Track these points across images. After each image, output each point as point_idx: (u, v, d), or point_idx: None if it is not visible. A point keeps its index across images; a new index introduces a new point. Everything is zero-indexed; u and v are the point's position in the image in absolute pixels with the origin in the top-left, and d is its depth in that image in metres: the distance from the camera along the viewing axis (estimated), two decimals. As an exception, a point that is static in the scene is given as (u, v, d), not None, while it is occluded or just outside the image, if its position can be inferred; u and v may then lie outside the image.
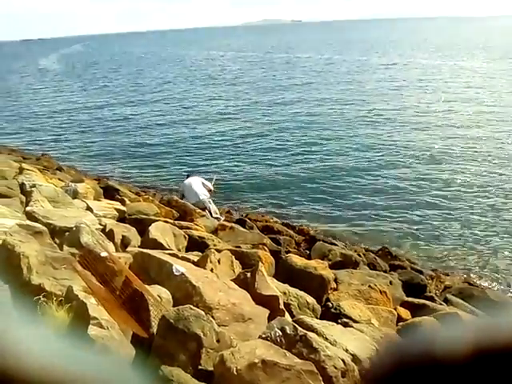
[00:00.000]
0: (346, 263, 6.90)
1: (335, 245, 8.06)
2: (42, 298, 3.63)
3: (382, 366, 0.37)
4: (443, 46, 58.77)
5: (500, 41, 64.10)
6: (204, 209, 9.37)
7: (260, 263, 5.21)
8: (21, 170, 9.10)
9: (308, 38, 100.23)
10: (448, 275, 8.16)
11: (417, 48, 56.84)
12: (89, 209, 7.10)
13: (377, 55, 49.68)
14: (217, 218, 9.20)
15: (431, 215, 10.70)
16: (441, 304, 6.31)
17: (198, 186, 9.85)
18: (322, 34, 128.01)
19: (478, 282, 8.19)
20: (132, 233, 6.06)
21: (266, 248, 6.81)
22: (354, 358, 3.99)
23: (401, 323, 5.30)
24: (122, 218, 7.13)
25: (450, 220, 10.45)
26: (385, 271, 7.27)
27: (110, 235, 5.64)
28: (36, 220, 5.52)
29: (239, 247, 6.46)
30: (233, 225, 8.09)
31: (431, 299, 6.40)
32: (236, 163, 14.98)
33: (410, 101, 23.20)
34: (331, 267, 6.44)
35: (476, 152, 14.93)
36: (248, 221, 9.21)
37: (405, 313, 5.64)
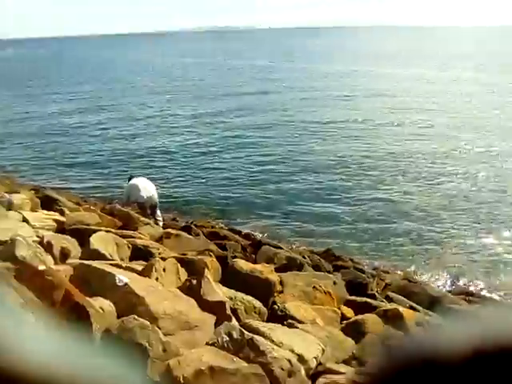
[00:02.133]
0: (291, 266, 7.02)
1: (280, 248, 8.19)
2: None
3: (383, 368, 0.37)
4: (375, 54, 61.41)
5: (437, 49, 67.92)
6: (155, 207, 9.29)
7: (206, 270, 5.21)
8: None
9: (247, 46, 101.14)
10: (388, 273, 8.52)
11: (352, 57, 59.01)
12: (25, 220, 6.77)
13: (324, 63, 51.09)
14: (158, 221, 9.20)
15: (371, 216, 11.13)
16: (382, 301, 6.58)
17: (147, 182, 9.63)
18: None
19: (416, 279, 8.60)
20: (72, 244, 5.85)
21: (212, 254, 6.79)
22: (300, 358, 4.08)
23: (345, 322, 5.47)
24: (61, 229, 6.85)
25: (389, 220, 10.92)
26: (329, 272, 7.47)
27: (48, 247, 5.42)
28: (-34, 234, 5.19)
29: (185, 254, 6.41)
30: (178, 232, 8.01)
31: (373, 297, 6.65)
32: (180, 171, 14.87)
33: (345, 109, 24.09)
34: (277, 270, 6.53)
35: (413, 157, 15.72)
36: (194, 227, 9.15)
37: (348, 311, 5.82)
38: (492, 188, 12.85)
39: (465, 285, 8.57)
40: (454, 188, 12.84)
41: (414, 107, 24.02)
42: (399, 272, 8.86)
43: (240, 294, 5.11)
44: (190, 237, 8.15)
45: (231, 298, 4.92)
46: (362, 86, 31.89)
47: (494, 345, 0.33)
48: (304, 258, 7.87)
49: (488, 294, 8.28)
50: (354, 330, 5.13)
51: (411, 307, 6.41)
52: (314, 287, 5.88)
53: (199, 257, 6.31)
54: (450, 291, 8.17)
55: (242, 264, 6.21)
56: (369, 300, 6.31)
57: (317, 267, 7.61)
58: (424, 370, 0.35)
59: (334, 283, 6.51)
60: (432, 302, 6.93)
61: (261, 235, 9.82)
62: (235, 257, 7.45)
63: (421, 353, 0.35)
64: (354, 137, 18.21)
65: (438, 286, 8.39)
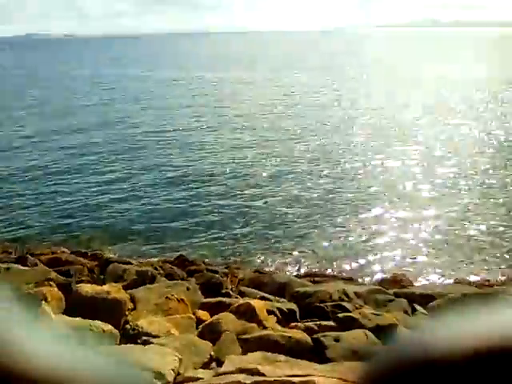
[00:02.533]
0: (142, 280, 6.82)
1: (130, 263, 7.90)
2: None
3: (379, 369, 0.37)
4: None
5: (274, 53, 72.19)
6: None
7: (44, 302, 4.75)
8: None
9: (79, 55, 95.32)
10: (240, 268, 8.82)
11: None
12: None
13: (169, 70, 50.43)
14: None
15: (221, 220, 11.43)
16: (236, 297, 6.79)
17: None
18: (90, 50, 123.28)
19: (266, 270, 9.07)
20: None
21: (52, 283, 6.23)
22: (157, 375, 3.98)
23: (201, 325, 5.51)
24: None
25: (237, 222, 11.35)
26: (182, 279, 7.44)
27: None
28: None
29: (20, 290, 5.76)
30: (9, 265, 7.17)
31: (227, 295, 6.83)
32: (14, 198, 13.26)
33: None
34: (127, 287, 6.28)
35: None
36: (30, 257, 8.28)
37: (204, 314, 5.88)
38: (326, 187, 14.13)
39: (309, 268, 9.32)
40: (286, 188, 13.87)
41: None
42: (250, 266, 9.25)
43: (85, 321, 4.79)
44: (26, 268, 7.36)
45: (75, 328, 4.58)
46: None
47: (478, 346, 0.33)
48: (156, 269, 7.70)
49: (331, 273, 9.14)
50: (211, 332, 5.20)
51: (262, 297, 6.74)
52: (166, 297, 5.80)
53: (37, 289, 5.74)
54: (297, 276, 8.79)
55: (88, 288, 5.83)
56: (223, 299, 6.45)
57: (170, 276, 7.53)
58: (420, 370, 0.35)
59: (188, 289, 6.51)
60: (281, 289, 7.38)
61: (109, 253, 9.33)
62: (81, 281, 6.96)
63: (416, 353, 0.35)
64: (196, 146, 18.35)
65: (286, 273, 8.97)
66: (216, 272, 8.06)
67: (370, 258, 9.69)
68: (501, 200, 12.45)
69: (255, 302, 5.83)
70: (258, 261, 9.45)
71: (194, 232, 10.73)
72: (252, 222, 11.23)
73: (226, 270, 8.47)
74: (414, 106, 25.90)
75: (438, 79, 37.71)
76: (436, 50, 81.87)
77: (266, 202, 12.41)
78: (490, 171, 14.71)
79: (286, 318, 6.01)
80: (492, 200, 12.41)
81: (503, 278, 8.84)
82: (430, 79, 38.00)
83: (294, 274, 9.05)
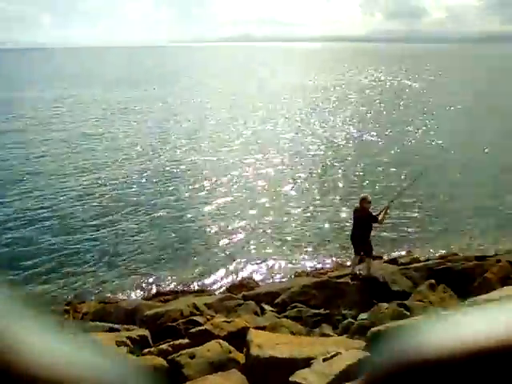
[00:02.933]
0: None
1: None
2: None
3: (378, 369, 0.37)
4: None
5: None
6: None
7: None
8: None
9: None
10: (84, 302, 8.18)
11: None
12: None
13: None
14: None
15: (53, 252, 10.46)
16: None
17: None
18: None
19: (112, 298, 8.58)
20: None
21: None
22: None
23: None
24: None
25: (71, 254, 10.52)
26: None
27: None
28: None
29: None
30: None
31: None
32: None
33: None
34: None
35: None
36: None
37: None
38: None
39: (157, 288, 9.08)
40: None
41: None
42: (95, 297, 8.64)
43: None
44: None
45: None
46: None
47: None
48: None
49: (181, 289, 9.04)
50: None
51: (111, 329, 6.34)
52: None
53: None
54: (145, 298, 8.49)
55: None
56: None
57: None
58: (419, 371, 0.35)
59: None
60: (130, 315, 7.04)
61: None
62: None
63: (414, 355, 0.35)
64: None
65: (134, 298, 8.61)
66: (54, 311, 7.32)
67: (217, 267, 9.88)
68: (326, 201, 13.92)
69: (100, 336, 5.43)
70: (103, 290, 8.88)
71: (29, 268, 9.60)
72: (84, 253, 10.46)
73: (67, 307, 7.76)
74: (217, 116, 27.60)
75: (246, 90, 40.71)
76: (248, 64, 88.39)
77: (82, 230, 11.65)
78: (315, 174, 16.34)
79: (138, 346, 5.74)
80: (318, 202, 13.76)
81: (334, 266, 9.88)
82: (236, 91, 40.84)
83: (142, 297, 8.73)
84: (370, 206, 7.73)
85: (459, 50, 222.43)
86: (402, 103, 33.63)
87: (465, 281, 7.20)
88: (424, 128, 23.87)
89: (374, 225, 7.79)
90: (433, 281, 7.07)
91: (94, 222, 11.92)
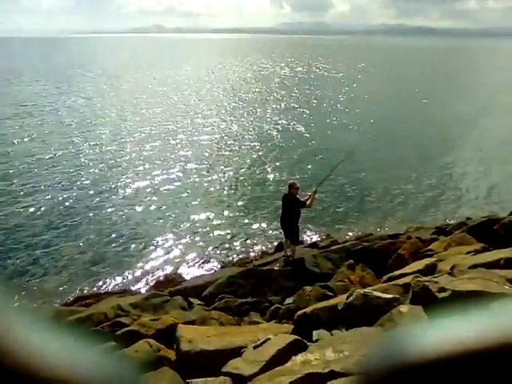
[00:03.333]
0: None
1: None
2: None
3: (376, 369, 0.37)
4: None
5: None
6: None
7: None
8: None
9: None
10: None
11: None
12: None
13: None
14: None
15: None
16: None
17: None
18: None
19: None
20: None
21: None
22: None
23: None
24: None
25: None
26: None
27: None
28: None
29: None
30: None
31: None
32: None
33: None
34: None
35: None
36: None
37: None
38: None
39: (78, 292, 8.66)
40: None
41: None
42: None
43: None
44: None
45: None
46: None
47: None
48: None
49: (104, 291, 8.70)
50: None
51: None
52: None
53: None
54: (65, 304, 8.06)
55: None
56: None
57: None
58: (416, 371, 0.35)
59: None
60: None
61: None
62: None
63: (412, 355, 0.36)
64: None
65: (52, 305, 8.14)
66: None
67: (140, 265, 9.65)
68: (252, 191, 14.07)
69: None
70: (18, 299, 8.27)
71: None
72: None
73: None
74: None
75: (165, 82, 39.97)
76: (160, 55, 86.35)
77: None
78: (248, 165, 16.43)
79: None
80: (242, 193, 13.88)
81: (258, 254, 10.05)
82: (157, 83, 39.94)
83: (62, 303, 8.27)
84: (298, 192, 7.92)
85: (362, 41, 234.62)
86: (317, 93, 34.83)
87: (381, 258, 7.65)
88: (345, 115, 24.99)
89: (303, 210, 8.01)
90: (352, 261, 7.42)
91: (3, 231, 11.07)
